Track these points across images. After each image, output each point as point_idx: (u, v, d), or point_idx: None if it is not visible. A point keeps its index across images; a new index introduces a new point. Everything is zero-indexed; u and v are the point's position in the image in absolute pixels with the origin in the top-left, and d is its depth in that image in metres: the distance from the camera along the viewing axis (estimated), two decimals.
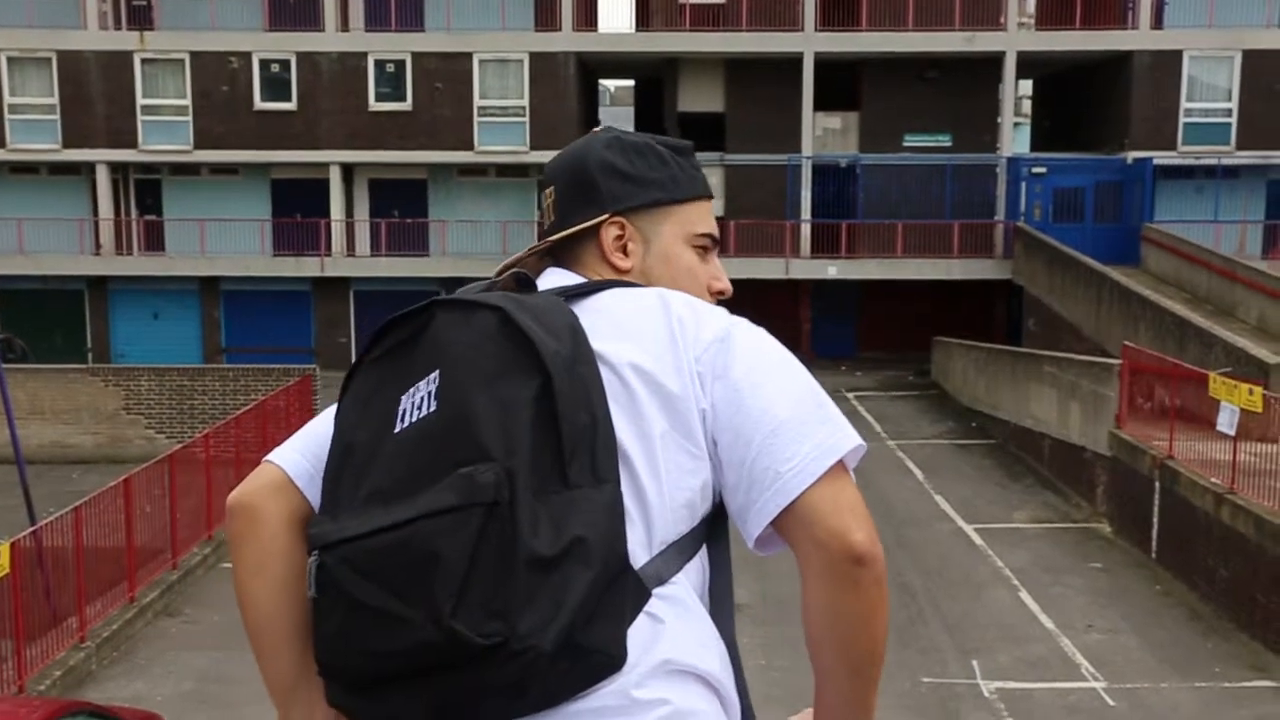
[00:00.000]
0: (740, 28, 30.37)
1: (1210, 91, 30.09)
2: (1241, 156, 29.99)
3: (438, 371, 1.33)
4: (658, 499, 1.34)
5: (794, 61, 29.70)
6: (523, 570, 1.21)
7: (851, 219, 30.27)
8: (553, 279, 1.57)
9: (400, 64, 30.33)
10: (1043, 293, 27.27)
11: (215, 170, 31.57)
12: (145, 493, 15.36)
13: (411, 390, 1.34)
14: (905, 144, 30.84)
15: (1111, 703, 12.67)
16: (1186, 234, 27.76)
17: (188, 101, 30.49)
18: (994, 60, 30.05)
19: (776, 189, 30.73)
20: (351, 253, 31.17)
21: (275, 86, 30.52)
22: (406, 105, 30.36)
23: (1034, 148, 35.34)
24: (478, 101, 30.25)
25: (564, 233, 1.60)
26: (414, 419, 1.32)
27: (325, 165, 30.63)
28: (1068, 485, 19.64)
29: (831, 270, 29.32)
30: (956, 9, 30.02)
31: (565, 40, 30.24)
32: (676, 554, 1.35)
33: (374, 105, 30.43)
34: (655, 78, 33.46)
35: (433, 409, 1.31)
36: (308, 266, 30.48)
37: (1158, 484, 16.64)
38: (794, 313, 29.92)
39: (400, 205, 31.32)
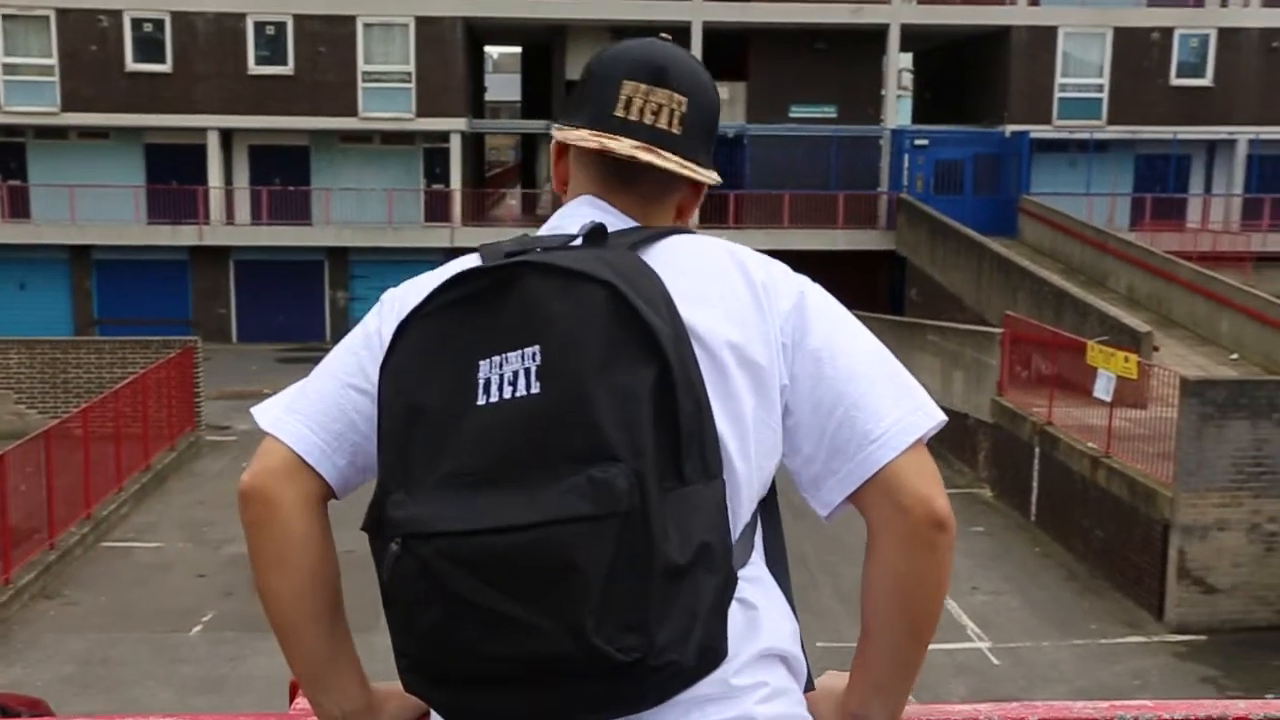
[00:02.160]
0: None
1: (1083, 67, 30.98)
2: (1112, 131, 30.98)
3: (538, 348, 1.20)
4: (747, 485, 1.31)
5: (682, 30, 29.67)
6: (658, 581, 1.17)
7: (739, 189, 30.46)
8: (592, 211, 1.40)
9: (281, 26, 29.51)
10: (925, 263, 27.85)
11: (85, 134, 30.37)
12: (18, 470, 14.80)
13: (497, 360, 1.22)
14: (792, 115, 31.14)
15: (996, 661, 13.09)
16: (1060, 206, 28.61)
17: (54, 61, 29.23)
18: (879, 33, 30.47)
19: None
20: (231, 221, 30.33)
21: (148, 47, 29.44)
22: (288, 69, 29.57)
23: (915, 120, 35.98)
24: (362, 66, 29.62)
25: (692, 170, 1.40)
26: (507, 395, 1.20)
27: (203, 130, 29.69)
28: (951, 452, 20.17)
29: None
30: None
31: (452, 5, 29.74)
32: (749, 531, 1.35)
33: (254, 69, 29.57)
34: (543, 45, 33.17)
35: (535, 390, 1.19)
36: (185, 235, 29.56)
37: (1037, 449, 17.20)
38: None
39: (282, 172, 30.54)
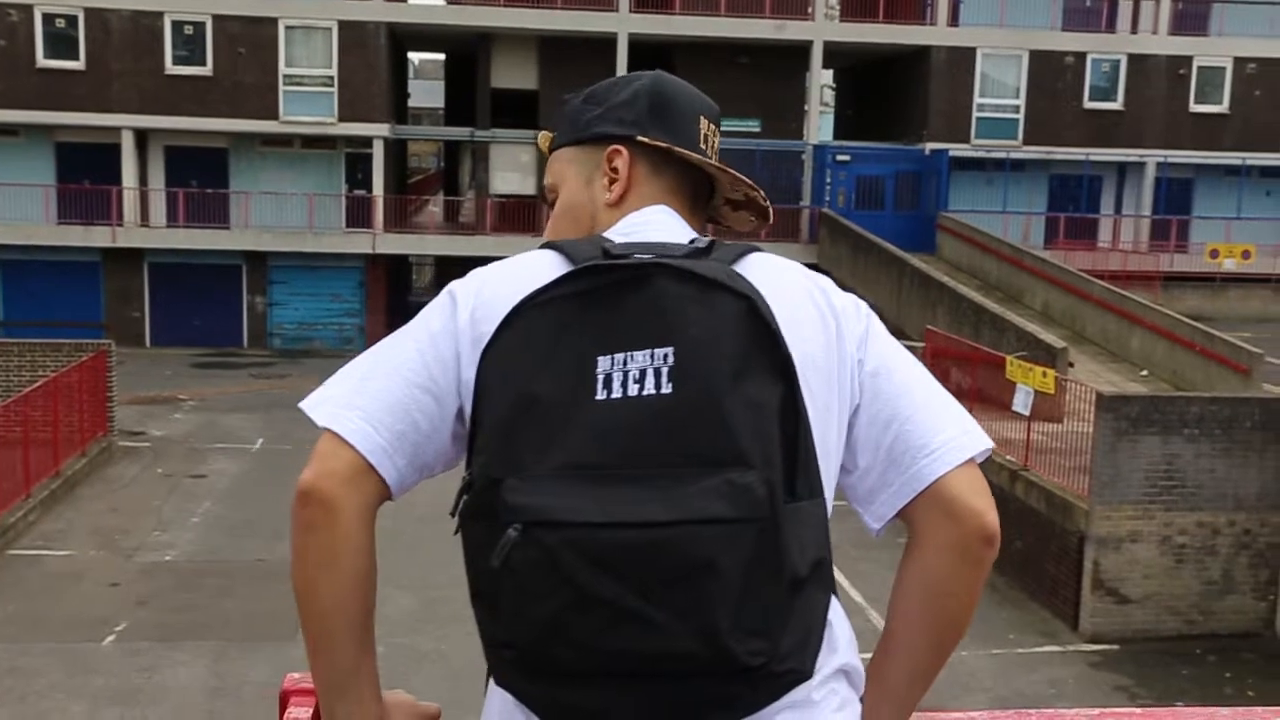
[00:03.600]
0: (555, 6, 30.23)
1: (1000, 89, 31.67)
2: (1027, 151, 31.70)
3: (671, 350, 1.21)
4: (828, 505, 1.34)
5: (608, 42, 29.76)
6: (785, 590, 1.19)
7: None
8: (672, 220, 1.45)
9: (200, 26, 28.98)
10: (846, 277, 28.17)
11: None
12: None
13: (621, 356, 1.21)
14: None
15: None
16: (977, 223, 29.17)
17: None
18: (802, 49, 30.83)
19: None
20: (146, 223, 29.66)
21: (60, 43, 28.73)
22: (206, 70, 29.05)
23: (837, 136, 36.48)
24: (283, 69, 29.20)
25: (746, 182, 1.51)
26: (633, 392, 1.20)
27: (117, 130, 29.02)
28: None
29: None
30: None
31: (376, 9, 29.48)
32: None
33: (171, 68, 29.00)
34: (468, 53, 33.00)
35: (667, 390, 1.20)
36: (97, 236, 28.86)
37: None
38: None
39: (199, 175, 29.96)
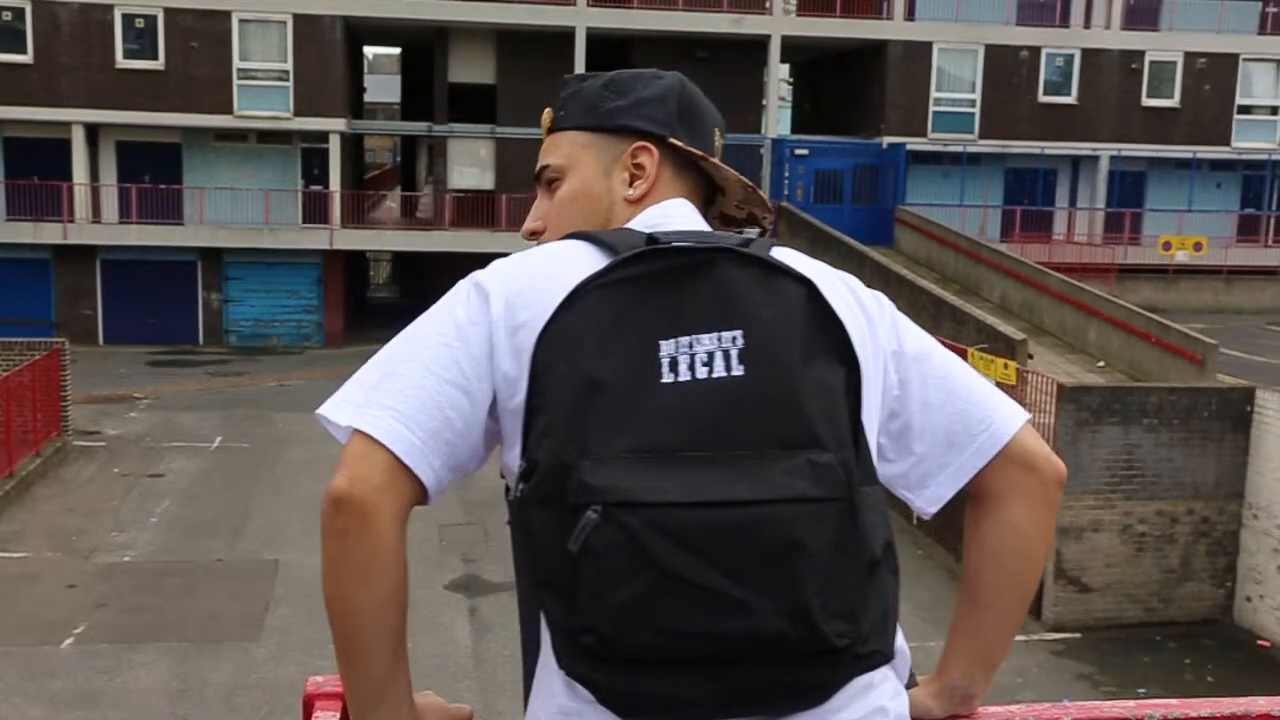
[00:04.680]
0: (512, 0, 30.12)
1: (956, 83, 31.87)
2: (983, 145, 31.93)
3: (740, 332, 1.21)
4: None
5: (566, 36, 29.66)
6: (863, 571, 1.20)
7: None
8: (694, 215, 1.45)
9: (151, 19, 28.56)
10: None
11: None
12: None
13: (686, 339, 1.21)
14: None
15: None
16: (934, 217, 29.36)
17: None
18: (759, 43, 30.87)
19: None
20: (97, 219, 29.22)
21: (7, 36, 28.24)
22: (159, 64, 28.64)
23: (795, 130, 36.57)
24: (237, 63, 28.84)
25: (763, 200, 1.53)
26: (700, 375, 1.20)
27: (66, 125, 28.54)
28: None
29: None
30: None
31: (332, 3, 29.18)
32: None
33: (122, 62, 28.56)
34: (425, 47, 32.77)
35: (738, 372, 1.20)
36: (48, 233, 28.39)
37: None
38: None
39: (151, 170, 29.54)
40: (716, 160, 1.48)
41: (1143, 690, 13.63)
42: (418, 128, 34.19)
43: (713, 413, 1.19)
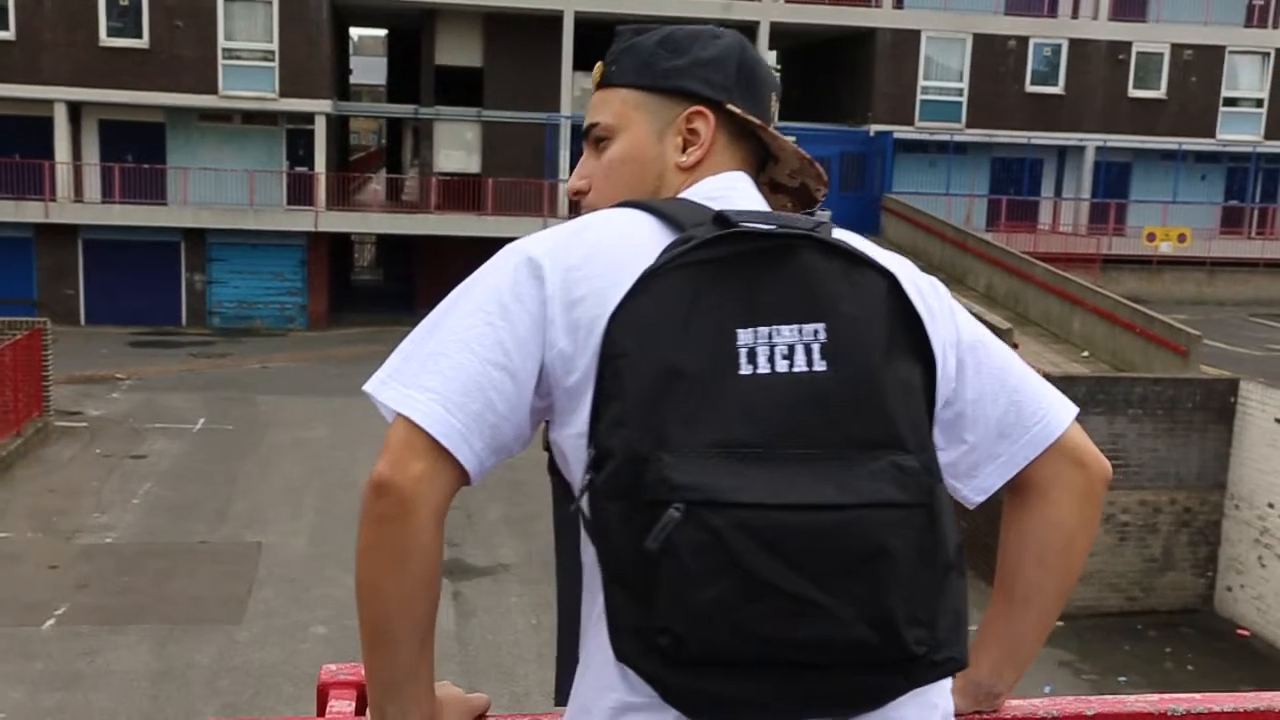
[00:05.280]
0: None
1: (944, 72, 31.87)
2: (970, 134, 31.96)
3: (823, 326, 1.17)
4: None
5: (554, 19, 29.53)
6: (940, 576, 1.17)
7: None
8: (753, 190, 1.40)
9: None
10: None
11: None
12: None
13: (765, 330, 1.16)
14: None
15: None
16: (921, 205, 29.40)
17: None
18: (749, 29, 30.74)
19: (535, 148, 30.56)
20: (80, 198, 28.99)
21: None
22: (142, 42, 28.40)
23: (783, 117, 36.11)
24: (223, 43, 28.61)
25: (817, 169, 1.48)
26: (781, 369, 1.15)
27: (49, 102, 28.29)
28: None
29: None
30: None
31: None
32: None
33: (105, 40, 28.30)
34: (411, 29, 32.59)
35: (820, 368, 1.16)
36: (29, 211, 28.14)
37: None
38: None
39: (135, 149, 29.31)
40: (776, 133, 1.43)
41: (1123, 678, 13.71)
42: (404, 110, 34.01)
43: (793, 409, 1.15)
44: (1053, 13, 32.72)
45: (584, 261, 1.25)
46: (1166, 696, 1.62)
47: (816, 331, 1.17)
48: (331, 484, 17.72)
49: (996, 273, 25.13)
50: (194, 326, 29.53)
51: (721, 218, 1.23)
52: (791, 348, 1.17)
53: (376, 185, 39.64)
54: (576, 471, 1.25)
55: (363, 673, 1.45)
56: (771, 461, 1.13)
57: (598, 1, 29.75)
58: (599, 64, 1.47)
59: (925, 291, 1.34)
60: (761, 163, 1.46)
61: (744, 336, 1.17)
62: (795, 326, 1.17)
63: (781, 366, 1.16)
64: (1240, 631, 15.27)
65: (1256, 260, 32.19)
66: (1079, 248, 30.57)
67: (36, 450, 18.96)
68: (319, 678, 1.47)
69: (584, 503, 1.19)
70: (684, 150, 1.40)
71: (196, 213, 28.84)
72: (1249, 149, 33.42)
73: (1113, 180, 33.41)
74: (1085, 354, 21.40)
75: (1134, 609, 15.19)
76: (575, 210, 1.44)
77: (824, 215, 1.29)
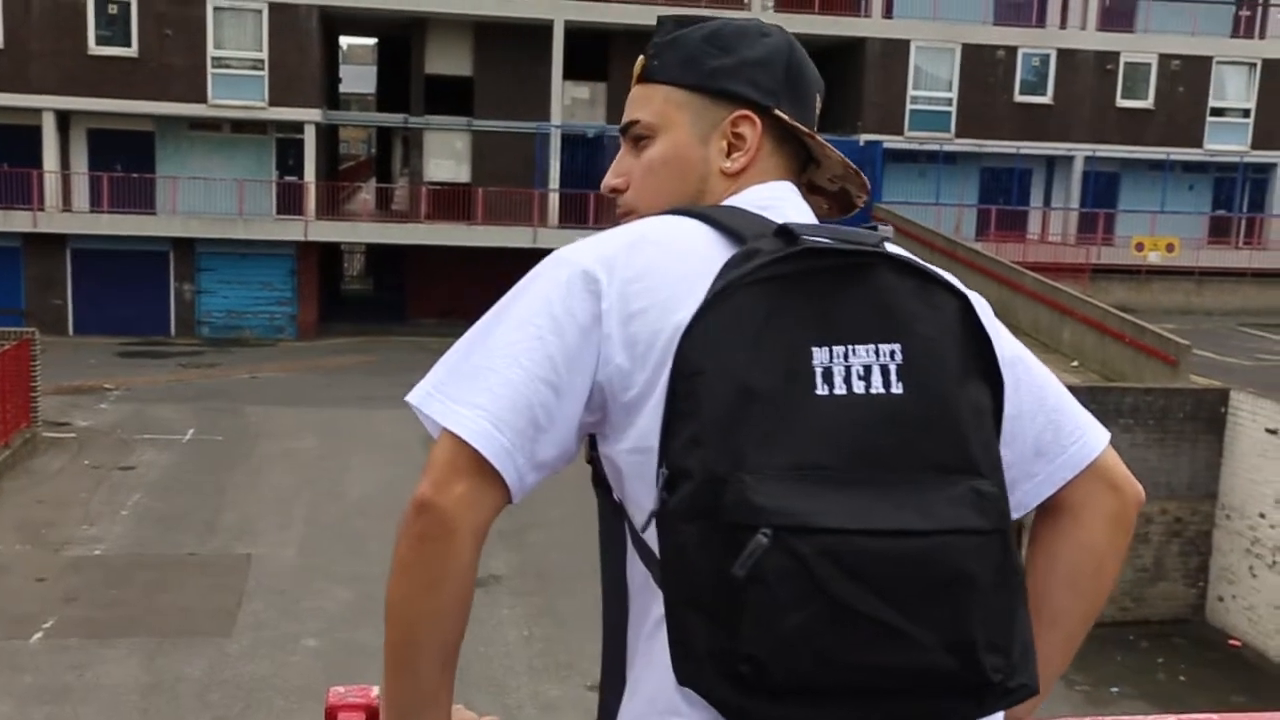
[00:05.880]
0: None
1: (933, 81, 31.96)
2: (960, 144, 32.05)
3: (899, 346, 1.15)
4: None
5: (544, 29, 29.55)
6: (1013, 603, 1.17)
7: (599, 190, 30.39)
8: (805, 207, 1.38)
9: (125, 6, 28.23)
10: None
11: None
12: None
13: (840, 350, 1.14)
14: None
15: None
16: (910, 215, 29.44)
17: None
18: None
19: (525, 157, 30.55)
20: (68, 207, 28.88)
21: None
22: (132, 51, 28.32)
23: None
24: (212, 51, 28.56)
25: (855, 172, 1.46)
26: (858, 390, 1.13)
27: (37, 111, 28.18)
28: None
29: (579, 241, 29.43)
30: None
31: None
32: None
33: (94, 49, 28.23)
34: (402, 38, 32.58)
35: (898, 390, 1.14)
36: (17, 221, 28.02)
37: None
38: None
39: (124, 159, 29.22)
40: (824, 142, 1.40)
41: (1116, 689, 13.71)
42: (394, 119, 33.98)
43: (870, 432, 1.13)
44: (1041, 23, 32.84)
45: (643, 274, 1.23)
46: (1185, 717, 1.63)
47: (893, 352, 1.15)
48: (321, 495, 17.65)
49: (986, 282, 25.16)
50: (183, 336, 29.42)
51: (786, 231, 1.20)
52: (868, 368, 1.14)
53: (366, 194, 39.60)
54: (633, 487, 1.23)
55: (372, 695, 1.42)
56: (850, 485, 1.11)
57: (587, 11, 29.79)
58: (641, 58, 1.43)
59: (984, 310, 1.32)
60: (802, 165, 1.43)
61: (819, 356, 1.14)
62: (871, 346, 1.15)
63: (858, 388, 1.14)
64: (1232, 642, 15.29)
65: (1244, 270, 32.30)
66: (1068, 257, 30.65)
67: (24, 461, 18.85)
68: (327, 699, 1.44)
69: (647, 522, 1.17)
70: (729, 155, 1.37)
71: (185, 222, 28.75)
72: (1236, 159, 33.56)
73: (1101, 190, 33.52)
74: (1075, 364, 21.43)
75: (1126, 619, 15.19)
76: (614, 216, 1.41)
77: (887, 230, 1.27)
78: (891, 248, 1.24)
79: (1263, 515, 14.93)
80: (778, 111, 1.37)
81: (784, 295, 1.16)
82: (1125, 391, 15.37)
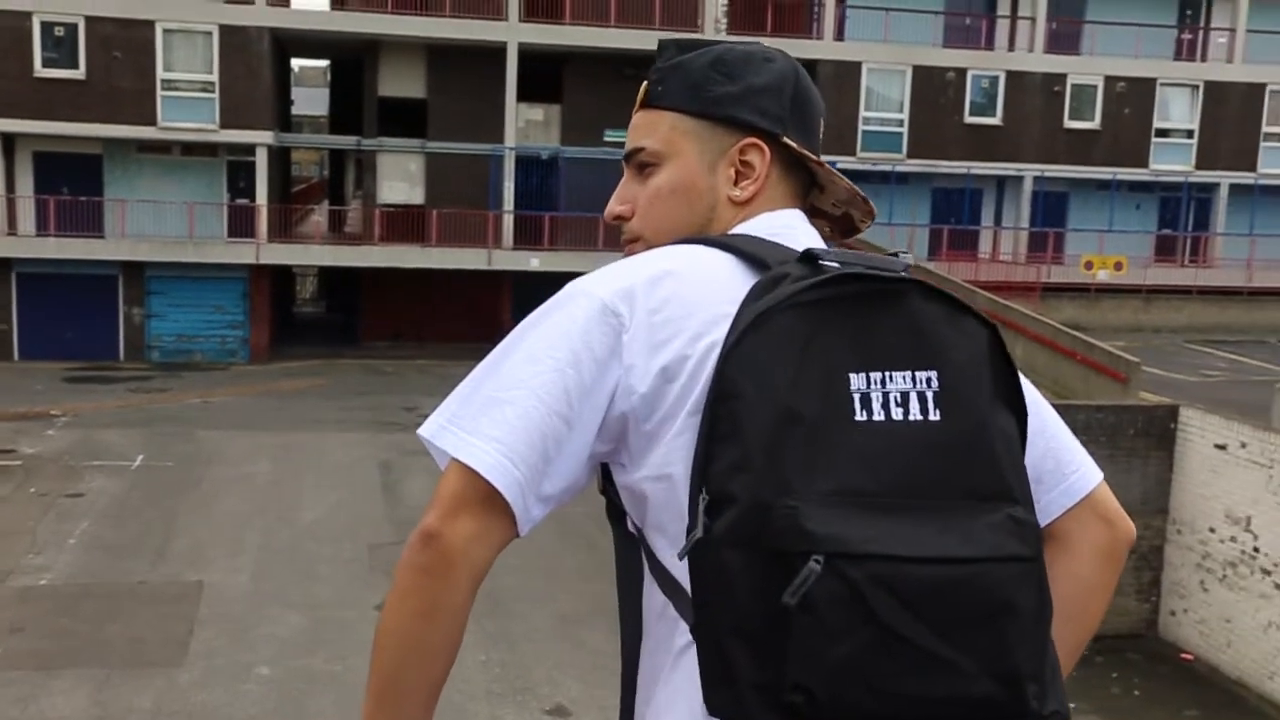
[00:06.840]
0: (444, 13, 29.88)
1: (885, 103, 32.27)
2: (911, 165, 32.37)
3: (935, 373, 1.15)
4: None
5: (498, 51, 29.54)
6: (1048, 630, 1.17)
7: (553, 212, 30.44)
8: (815, 235, 1.39)
9: (72, 28, 27.92)
10: None
11: None
12: None
13: (877, 376, 1.14)
14: (606, 139, 31.28)
15: None
16: (863, 236, 29.50)
17: None
18: None
19: (479, 179, 30.49)
20: (13, 231, 28.45)
21: None
22: (79, 73, 28.00)
23: None
24: (161, 74, 28.28)
25: (862, 198, 1.48)
26: (896, 416, 1.13)
27: None
28: None
29: (534, 262, 29.38)
30: (656, 9, 30.75)
31: (259, 14, 28.77)
32: None
33: (40, 71, 27.88)
34: (354, 60, 32.46)
35: (935, 417, 1.14)
36: None
37: None
38: (496, 304, 29.79)
39: (71, 182, 28.84)
40: (835, 172, 1.41)
41: (1072, 705, 13.77)
42: (347, 141, 33.81)
43: (910, 459, 1.13)
44: (990, 45, 33.29)
45: (666, 303, 1.22)
46: None
47: (929, 380, 1.16)
48: (273, 519, 17.42)
49: None
50: (132, 361, 29.02)
51: (810, 257, 1.21)
52: (905, 395, 1.15)
53: (319, 217, 39.31)
54: (656, 515, 1.22)
55: None
56: (892, 512, 1.11)
57: (542, 33, 29.83)
58: (645, 83, 1.42)
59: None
60: (806, 190, 1.44)
61: (856, 382, 1.14)
62: (908, 373, 1.16)
63: (897, 414, 1.14)
64: (1184, 656, 15.43)
65: (1190, 288, 32.80)
66: (1019, 276, 30.99)
67: None
68: None
69: (687, 548, 1.15)
70: (737, 183, 1.37)
71: (135, 245, 28.40)
72: (1181, 179, 34.13)
73: (1050, 209, 33.96)
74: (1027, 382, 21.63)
75: None
76: (619, 242, 1.41)
77: (909, 257, 1.26)
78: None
79: (1213, 530, 15.11)
80: (785, 139, 1.37)
81: (822, 319, 1.15)
82: (1077, 409, 15.52)
